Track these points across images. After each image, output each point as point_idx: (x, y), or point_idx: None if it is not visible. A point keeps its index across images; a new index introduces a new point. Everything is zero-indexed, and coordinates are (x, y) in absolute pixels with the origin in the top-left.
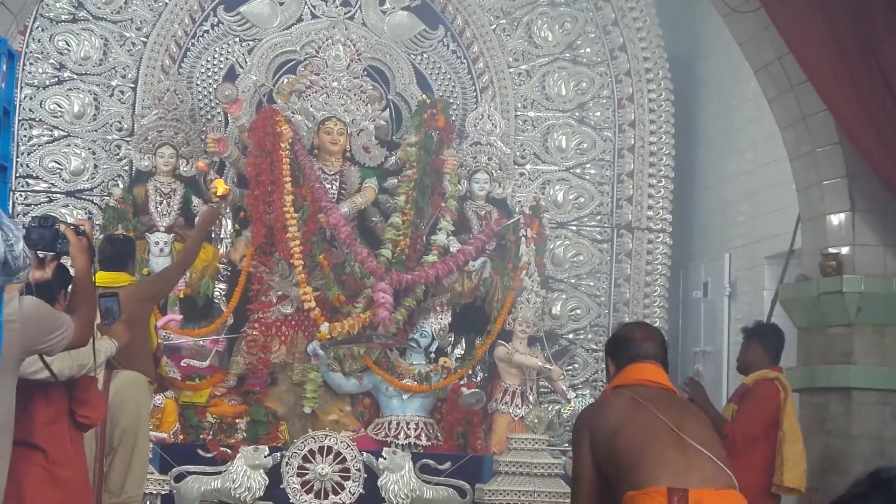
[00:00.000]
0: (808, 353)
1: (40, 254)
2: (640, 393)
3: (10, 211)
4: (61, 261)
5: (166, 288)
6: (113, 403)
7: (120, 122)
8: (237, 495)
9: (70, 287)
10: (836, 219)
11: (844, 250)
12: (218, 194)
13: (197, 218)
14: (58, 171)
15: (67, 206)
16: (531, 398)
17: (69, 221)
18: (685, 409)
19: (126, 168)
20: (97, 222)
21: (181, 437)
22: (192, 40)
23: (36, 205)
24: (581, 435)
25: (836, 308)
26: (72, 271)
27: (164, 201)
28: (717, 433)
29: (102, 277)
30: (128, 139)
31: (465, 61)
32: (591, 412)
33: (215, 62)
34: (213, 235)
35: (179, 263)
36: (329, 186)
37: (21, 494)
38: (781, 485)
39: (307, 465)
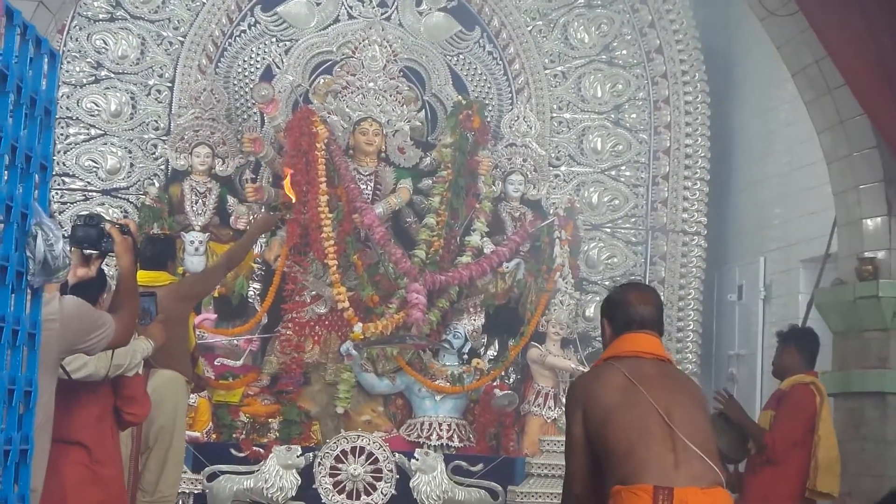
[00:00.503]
0: (843, 357)
1: (85, 252)
2: (635, 369)
3: (47, 209)
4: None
5: (207, 287)
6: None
7: (156, 122)
8: (269, 495)
9: (108, 287)
10: (873, 223)
11: (881, 254)
12: (286, 199)
13: (253, 221)
14: (94, 169)
15: (103, 204)
16: (564, 400)
17: (115, 220)
18: (678, 391)
19: (162, 167)
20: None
21: (214, 436)
22: (230, 40)
23: (72, 203)
24: (574, 408)
25: (871, 312)
26: (107, 270)
27: (200, 200)
28: (716, 426)
29: (142, 277)
30: (164, 138)
31: (500, 62)
32: (585, 385)
33: (252, 62)
34: None
35: (223, 264)
36: (364, 187)
37: (63, 492)
38: (815, 489)
39: (339, 465)
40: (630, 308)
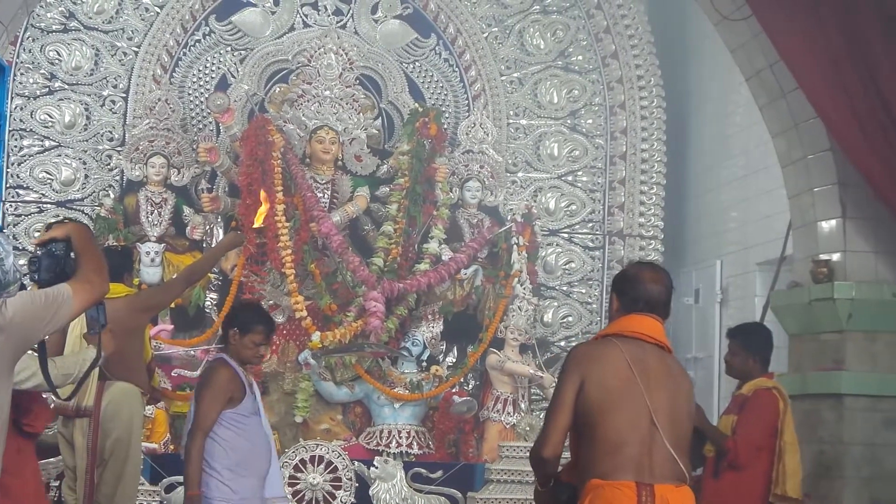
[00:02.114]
0: (799, 359)
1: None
2: (638, 358)
3: (1, 223)
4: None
5: (165, 300)
6: (105, 415)
7: (111, 132)
8: None
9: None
10: (828, 225)
11: (836, 257)
12: (255, 226)
13: (219, 239)
14: (48, 181)
15: (58, 216)
16: (523, 406)
17: (40, 237)
18: (672, 389)
19: (117, 178)
20: None
21: (171, 447)
22: (184, 50)
23: (26, 215)
24: (573, 375)
25: (827, 315)
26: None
27: (155, 211)
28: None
29: None
30: (119, 149)
31: (457, 69)
32: (590, 359)
33: (207, 71)
34: (203, 245)
35: (183, 278)
36: (321, 195)
37: None
38: (783, 495)
39: (298, 474)
40: (641, 286)
